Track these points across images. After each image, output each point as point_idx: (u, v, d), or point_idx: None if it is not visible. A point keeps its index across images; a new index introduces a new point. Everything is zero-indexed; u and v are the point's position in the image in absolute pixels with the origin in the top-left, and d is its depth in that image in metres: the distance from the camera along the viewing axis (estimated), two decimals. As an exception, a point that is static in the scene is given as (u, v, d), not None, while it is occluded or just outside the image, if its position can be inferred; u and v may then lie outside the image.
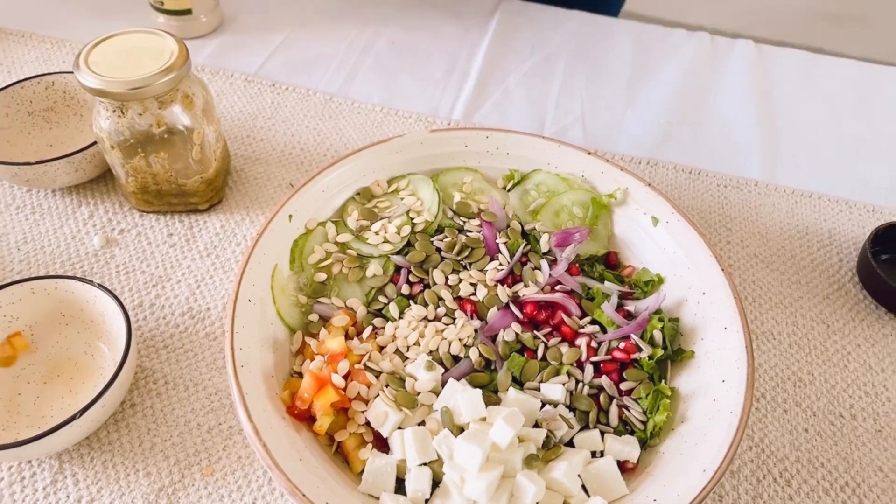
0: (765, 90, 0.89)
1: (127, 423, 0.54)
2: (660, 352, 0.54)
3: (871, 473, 0.55)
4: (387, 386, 0.50)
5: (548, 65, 0.90)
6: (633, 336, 0.55)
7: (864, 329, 0.65)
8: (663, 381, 0.54)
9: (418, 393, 0.50)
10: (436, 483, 0.47)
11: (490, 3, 0.98)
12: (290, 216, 0.58)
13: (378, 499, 0.46)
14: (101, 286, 0.54)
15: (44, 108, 0.73)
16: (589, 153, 0.65)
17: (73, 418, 0.47)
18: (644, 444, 0.51)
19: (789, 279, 0.69)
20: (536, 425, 0.50)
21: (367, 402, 0.50)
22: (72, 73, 0.72)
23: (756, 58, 0.94)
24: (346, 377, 0.50)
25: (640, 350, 0.54)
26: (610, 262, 0.63)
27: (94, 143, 0.65)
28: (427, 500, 0.46)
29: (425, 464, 0.47)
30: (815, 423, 0.58)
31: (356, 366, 0.50)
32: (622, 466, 0.49)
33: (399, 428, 0.48)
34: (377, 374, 0.51)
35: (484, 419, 0.48)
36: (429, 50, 0.90)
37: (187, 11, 0.86)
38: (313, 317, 0.55)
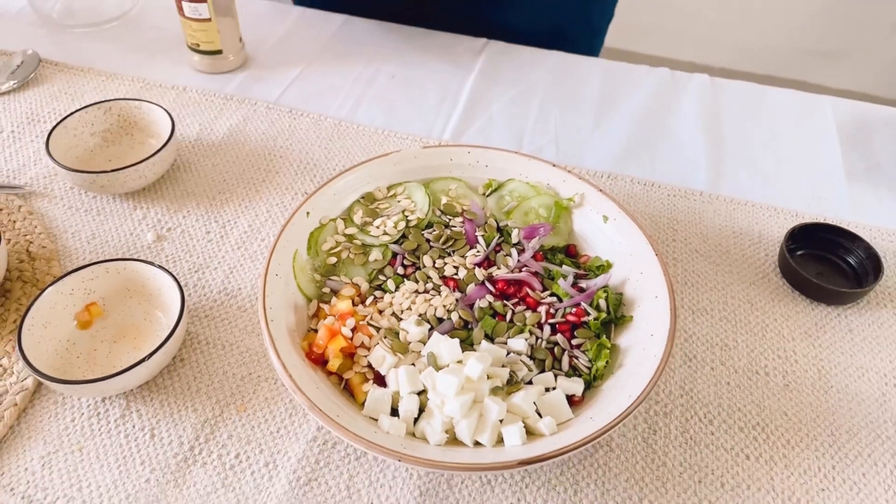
0: (714, 115, 1.04)
1: (178, 373, 0.67)
2: (604, 315, 0.67)
3: (777, 416, 0.68)
4: (385, 337, 0.64)
5: (527, 96, 1.05)
6: (583, 303, 0.68)
7: (781, 308, 0.78)
8: (607, 338, 0.67)
9: (409, 343, 0.63)
10: (422, 410, 0.60)
11: (478, 44, 1.14)
12: (308, 213, 0.72)
13: (377, 420, 0.59)
14: (160, 266, 0.69)
15: (103, 129, 0.88)
16: (553, 165, 0.80)
17: (142, 361, 0.61)
18: (589, 385, 0.64)
19: (723, 269, 0.82)
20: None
21: (369, 349, 0.63)
22: (124, 99, 0.88)
23: (709, 89, 1.09)
24: (352, 330, 0.63)
25: (588, 314, 0.68)
26: (569, 253, 0.77)
27: (157, 152, 0.80)
28: (416, 420, 0.59)
29: (419, 395, 0.60)
30: (735, 378, 0.71)
31: (360, 322, 0.64)
32: (570, 400, 0.62)
33: (394, 368, 0.61)
34: (377, 329, 0.65)
35: (460, 362, 0.61)
36: (424, 83, 1.06)
37: (218, 52, 1.02)
38: (326, 289, 0.69)
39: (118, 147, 0.89)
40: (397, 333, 0.64)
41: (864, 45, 2.52)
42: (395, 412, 0.60)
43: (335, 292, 0.69)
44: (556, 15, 1.22)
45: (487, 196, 0.80)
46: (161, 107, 0.87)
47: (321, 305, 0.67)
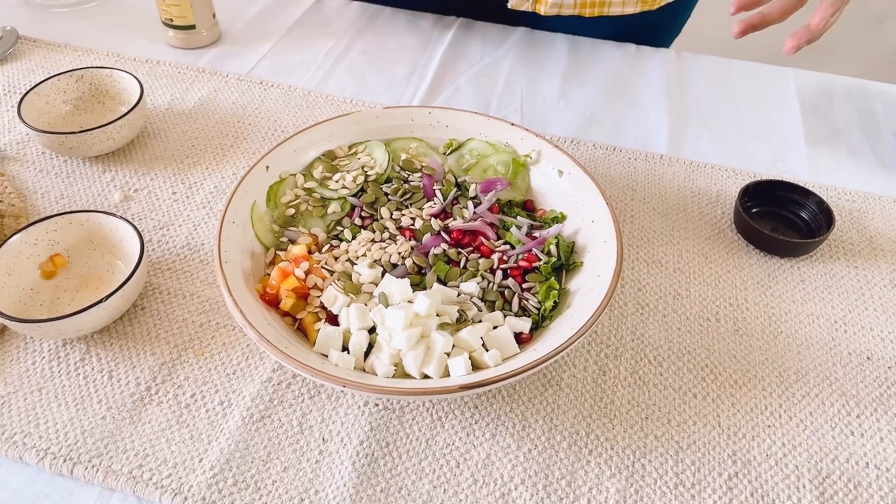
0: (679, 87, 1.06)
1: (139, 321, 0.69)
2: (554, 260, 0.69)
3: (726, 359, 0.69)
4: (338, 279, 0.65)
5: (494, 69, 1.07)
6: (534, 249, 0.70)
7: (735, 260, 0.80)
8: (558, 283, 0.69)
9: (362, 284, 0.65)
10: (372, 347, 0.61)
11: (448, 21, 1.16)
12: (267, 167, 0.74)
13: (327, 356, 0.61)
14: (122, 217, 0.70)
15: (75, 98, 0.90)
16: (512, 124, 0.82)
17: (99, 302, 0.62)
18: (538, 325, 0.66)
19: (680, 225, 0.84)
20: (454, 312, 0.65)
21: (322, 290, 0.65)
22: (96, 67, 0.90)
23: (675, 62, 1.11)
24: (306, 273, 0.65)
25: (539, 260, 0.69)
26: (527, 207, 0.79)
27: (124, 115, 0.82)
28: (366, 356, 0.61)
29: (369, 333, 0.62)
30: (686, 324, 0.72)
31: (315, 266, 0.66)
32: (519, 338, 0.63)
33: (346, 307, 0.63)
34: (331, 272, 0.66)
35: (411, 302, 0.63)
36: (393, 57, 1.08)
37: (191, 27, 1.04)
38: (284, 239, 0.71)
39: (90, 115, 0.91)
40: (350, 276, 0.66)
41: (849, 39, 2.56)
42: (346, 351, 0.62)
43: (293, 242, 0.71)
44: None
45: (448, 155, 0.82)
46: (131, 74, 0.89)
47: (278, 253, 0.69)
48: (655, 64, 1.10)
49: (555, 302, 0.66)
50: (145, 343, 0.67)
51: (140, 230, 0.70)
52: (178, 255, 0.76)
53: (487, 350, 0.61)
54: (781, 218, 0.84)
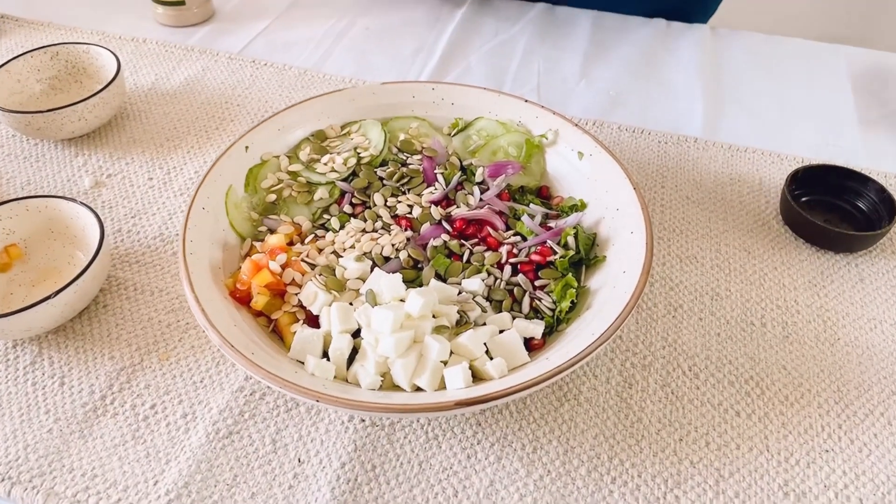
0: (714, 65, 0.96)
1: (98, 319, 0.61)
2: (572, 253, 0.59)
3: (775, 371, 0.59)
4: (319, 274, 0.56)
5: (508, 47, 0.98)
6: (549, 242, 0.60)
7: (782, 256, 0.69)
8: (577, 280, 0.59)
9: (347, 280, 0.56)
10: (357, 353, 0.53)
11: (460, -4, 1.07)
12: (247, 147, 0.65)
13: (304, 363, 0.52)
14: (82, 203, 0.62)
15: (50, 76, 0.83)
16: (526, 101, 0.72)
17: (47, 298, 0.54)
18: (552, 329, 0.56)
19: (717, 216, 0.74)
20: (455, 313, 0.55)
21: (300, 286, 0.56)
22: (72, 43, 0.83)
23: (710, 39, 1.01)
24: (283, 267, 0.56)
25: (555, 254, 0.60)
26: (542, 194, 0.69)
27: (96, 93, 0.74)
28: (349, 363, 0.52)
29: (354, 337, 0.53)
30: (727, 329, 0.62)
31: (293, 259, 0.57)
32: (529, 344, 0.54)
33: (327, 307, 0.54)
34: (313, 266, 0.58)
35: (403, 301, 0.54)
36: (399, 34, 0.99)
37: (181, 3, 0.97)
38: (262, 228, 0.62)
39: (66, 95, 0.83)
40: (334, 271, 0.57)
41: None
42: (326, 356, 0.53)
43: (273, 231, 0.62)
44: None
45: (453, 136, 0.73)
46: (109, 50, 0.81)
47: (255, 244, 0.60)
48: (688, 41, 1.00)
49: (572, 302, 0.56)
50: (104, 345, 0.59)
51: (102, 217, 0.62)
52: (148, 246, 0.68)
53: (492, 358, 0.52)
54: (835, 208, 0.74)
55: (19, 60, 0.81)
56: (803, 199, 0.74)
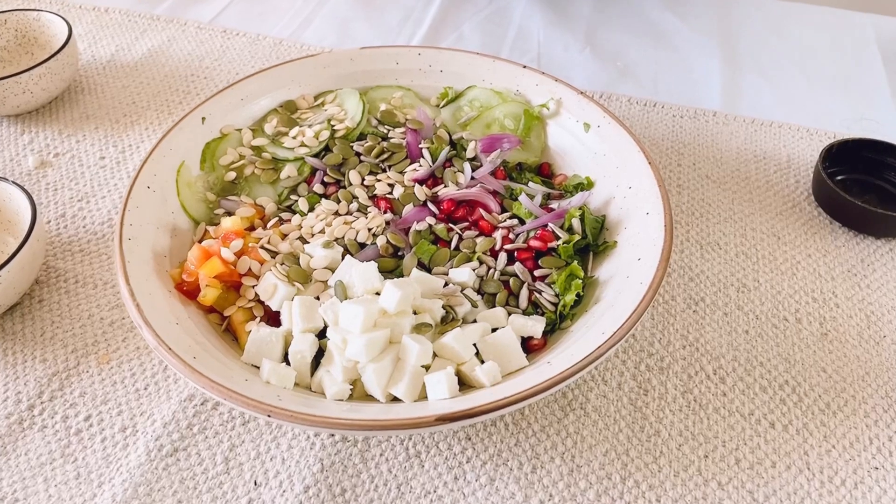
0: (730, 33, 0.87)
1: (32, 316, 0.53)
2: (577, 238, 0.51)
3: (813, 374, 0.51)
4: (281, 263, 0.48)
5: (505, 13, 0.90)
6: (550, 225, 0.52)
7: (816, 241, 0.61)
8: (583, 269, 0.51)
9: (313, 270, 0.48)
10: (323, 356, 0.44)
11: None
12: (203, 118, 0.57)
13: (259, 368, 0.44)
14: (14, 182, 0.54)
15: (-3, 47, 0.75)
16: (524, 67, 0.64)
17: (-40, 292, 0.46)
18: (555, 326, 0.48)
19: (741, 198, 0.65)
20: (441, 308, 0.47)
21: (258, 278, 0.48)
22: (20, 10, 0.74)
23: (722, 5, 0.92)
24: (237, 254, 0.48)
25: (557, 238, 0.51)
26: (543, 172, 0.61)
27: (42, 62, 0.66)
28: (314, 368, 0.44)
29: (318, 336, 0.45)
30: (756, 326, 0.54)
31: (251, 245, 0.49)
32: (528, 344, 0.46)
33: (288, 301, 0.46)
34: (274, 254, 0.49)
35: (378, 294, 0.45)
36: (385, 1, 0.91)
37: (148, -33, 0.88)
38: (219, 211, 0.54)
39: (15, 67, 0.75)
40: (298, 259, 0.49)
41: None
42: (287, 362, 0.45)
43: (231, 214, 0.54)
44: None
45: (441, 108, 0.65)
46: (61, 17, 0.73)
47: (208, 228, 0.52)
48: (701, 6, 0.91)
49: (578, 295, 0.48)
50: (35, 346, 0.51)
51: (43, 200, 0.54)
52: (94, 233, 0.59)
53: (482, 362, 0.43)
54: (873, 187, 0.65)
55: (-40, 29, 0.73)
56: (838, 177, 0.66)
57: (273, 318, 0.47)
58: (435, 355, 0.43)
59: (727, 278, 0.58)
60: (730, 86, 0.79)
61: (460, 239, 0.52)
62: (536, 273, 0.50)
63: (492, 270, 0.50)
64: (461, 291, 0.48)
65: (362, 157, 0.58)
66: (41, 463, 0.45)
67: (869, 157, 0.66)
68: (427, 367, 0.43)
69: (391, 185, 0.56)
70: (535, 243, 0.51)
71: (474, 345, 0.44)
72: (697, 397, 0.50)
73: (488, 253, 0.51)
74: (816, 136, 0.72)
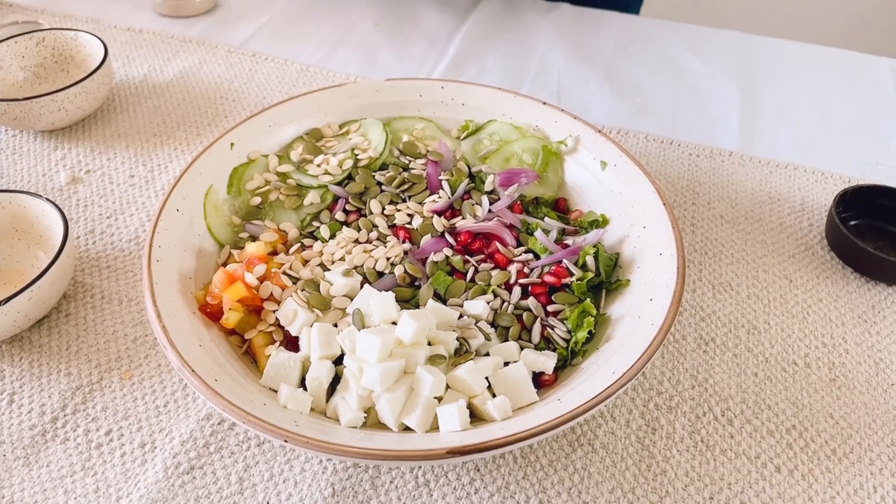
0: (749, 74, 0.89)
1: (59, 330, 0.55)
2: (590, 275, 0.52)
3: (821, 419, 0.52)
4: (302, 290, 0.50)
5: (527, 47, 0.91)
6: (564, 261, 0.53)
7: (828, 286, 0.62)
8: (595, 307, 0.52)
9: (333, 297, 0.49)
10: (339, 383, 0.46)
11: (477, -5, 1.01)
12: (232, 144, 0.59)
13: (277, 392, 0.45)
14: (47, 199, 0.56)
15: (34, 64, 0.78)
16: (544, 103, 0.65)
17: (-5, 305, 0.48)
18: (567, 362, 0.49)
19: (754, 239, 0.66)
20: (455, 339, 0.48)
21: (279, 303, 0.49)
22: (58, 29, 0.77)
23: (742, 47, 0.93)
24: (261, 279, 0.49)
25: (571, 275, 0.53)
26: (558, 207, 0.62)
27: (78, 81, 0.69)
28: (330, 394, 0.45)
29: (335, 363, 0.46)
30: (765, 369, 0.55)
31: (274, 270, 0.50)
32: (539, 379, 0.47)
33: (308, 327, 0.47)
34: (295, 280, 0.51)
35: (395, 323, 0.47)
36: (410, 31, 0.93)
37: (182, -9, 0.91)
38: (244, 235, 0.56)
39: (51, 84, 0.78)
40: (318, 286, 0.50)
41: None
42: (304, 387, 0.46)
43: (255, 238, 0.56)
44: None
45: (462, 140, 0.66)
46: (97, 37, 0.76)
47: (233, 252, 0.54)
48: (719, 46, 0.92)
49: (590, 332, 0.49)
50: (61, 359, 0.53)
51: (75, 217, 0.56)
52: (122, 250, 0.61)
53: (494, 395, 0.45)
54: (887, 234, 0.66)
55: (2, 46, 0.75)
56: (852, 222, 0.66)
57: (292, 343, 0.48)
58: (448, 387, 0.44)
59: (738, 319, 0.59)
60: (747, 126, 0.80)
61: (476, 271, 0.54)
62: (549, 308, 0.51)
63: (506, 304, 0.51)
64: (475, 324, 0.49)
65: (384, 187, 0.59)
66: (62, 475, 0.47)
67: (883, 204, 0.67)
68: (440, 399, 0.44)
69: (410, 216, 0.57)
70: (549, 279, 0.52)
71: (487, 378, 0.45)
72: (705, 438, 0.50)
73: (503, 286, 0.53)
74: (831, 180, 0.73)
